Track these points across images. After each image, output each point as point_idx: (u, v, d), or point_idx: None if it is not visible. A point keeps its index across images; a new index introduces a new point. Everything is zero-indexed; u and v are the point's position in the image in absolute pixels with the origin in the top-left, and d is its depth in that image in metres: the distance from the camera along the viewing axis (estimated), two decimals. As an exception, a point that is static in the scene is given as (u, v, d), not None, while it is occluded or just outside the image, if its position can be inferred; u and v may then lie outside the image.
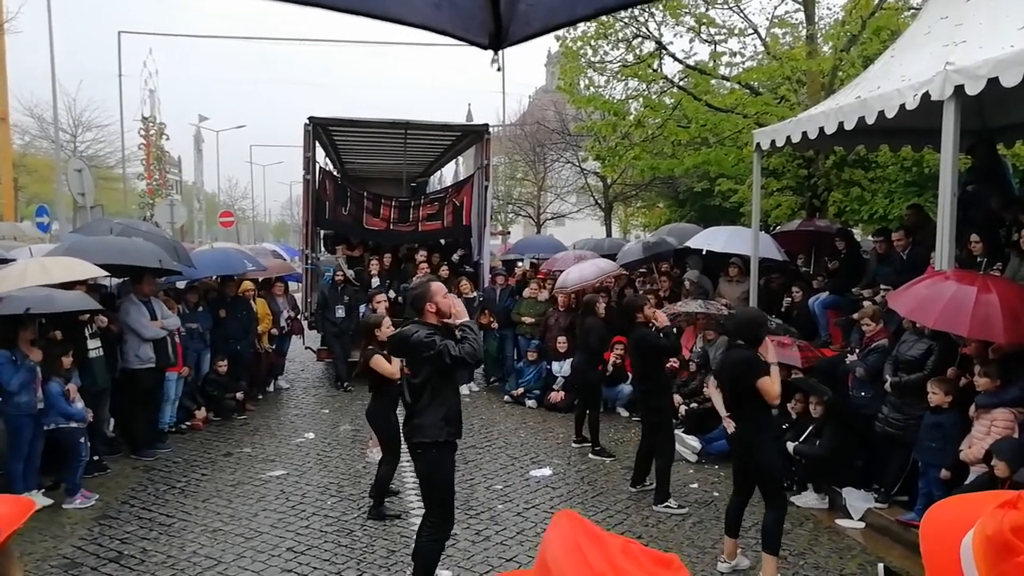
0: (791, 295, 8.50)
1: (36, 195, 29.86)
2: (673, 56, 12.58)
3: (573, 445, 7.81)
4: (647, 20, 12.34)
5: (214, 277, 9.58)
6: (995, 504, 0.98)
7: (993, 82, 4.85)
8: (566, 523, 1.10)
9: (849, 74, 10.59)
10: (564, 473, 6.99)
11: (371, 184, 13.34)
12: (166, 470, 7.00)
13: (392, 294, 11.03)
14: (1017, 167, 10.27)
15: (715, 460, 7.26)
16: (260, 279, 10.79)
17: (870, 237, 9.13)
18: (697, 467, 7.16)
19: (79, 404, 6.17)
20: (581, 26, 12.52)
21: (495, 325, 10.66)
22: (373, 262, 11.27)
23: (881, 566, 4.80)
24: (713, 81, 12.72)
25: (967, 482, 5.00)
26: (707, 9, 12.20)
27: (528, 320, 10.38)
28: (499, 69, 1.59)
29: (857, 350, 6.50)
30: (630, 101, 13.62)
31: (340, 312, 10.52)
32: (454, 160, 16.78)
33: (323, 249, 12.92)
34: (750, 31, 12.26)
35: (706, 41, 12.29)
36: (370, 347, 5.88)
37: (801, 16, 12.09)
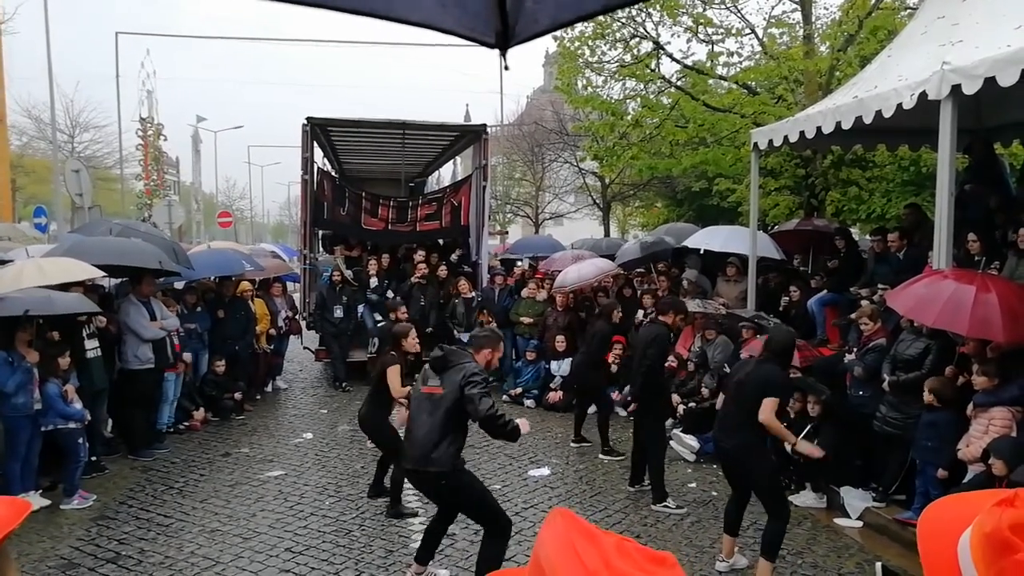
0: (789, 294, 8.51)
1: (34, 196, 29.78)
2: (671, 56, 12.59)
3: (572, 445, 7.81)
4: (644, 20, 12.35)
5: (212, 278, 9.57)
6: (993, 502, 0.98)
7: (990, 81, 4.86)
8: (560, 521, 1.09)
9: (846, 74, 10.60)
10: (562, 473, 6.99)
11: (369, 184, 13.33)
12: (164, 470, 6.99)
13: (390, 294, 11.05)
14: (1014, 166, 10.28)
15: (713, 460, 7.23)
16: (258, 279, 10.79)
17: (868, 236, 9.12)
18: (695, 466, 7.16)
19: (77, 404, 6.16)
20: (579, 26, 12.52)
21: (493, 324, 10.65)
22: (371, 262, 11.26)
23: (879, 565, 4.81)
24: (711, 81, 12.74)
25: (965, 481, 5.00)
26: (704, 9, 12.22)
27: (526, 320, 10.38)
28: (507, 68, 1.57)
29: (855, 349, 6.51)
30: (628, 101, 13.63)
31: (338, 312, 10.51)
32: (452, 160, 16.81)
33: (321, 249, 12.91)
34: (747, 31, 12.28)
35: (703, 41, 12.31)
36: (393, 354, 5.90)
37: (798, 16, 12.12)
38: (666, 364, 7.02)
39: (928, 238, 6.43)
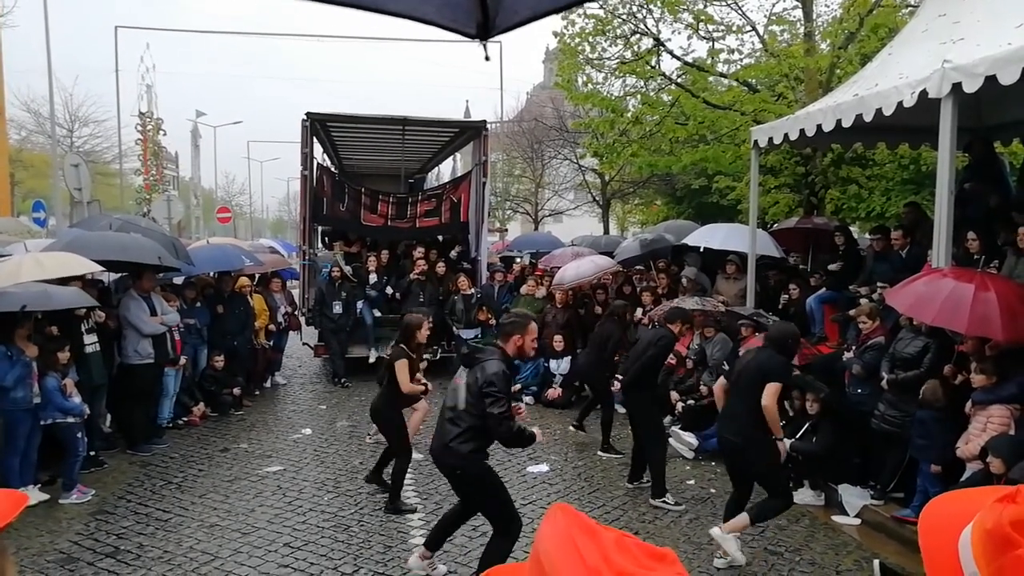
0: (788, 292, 8.51)
1: (32, 190, 29.73)
2: (671, 53, 12.57)
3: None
4: (645, 17, 12.33)
5: (211, 273, 9.57)
6: (994, 498, 0.98)
7: (991, 80, 4.86)
8: (560, 517, 1.09)
9: (847, 72, 10.59)
10: (561, 469, 7.00)
11: (369, 180, 13.32)
12: (163, 466, 6.99)
13: (389, 290, 11.05)
14: (1014, 165, 10.28)
15: (711, 457, 7.26)
16: (257, 276, 10.78)
17: (867, 235, 9.12)
18: (694, 463, 7.17)
19: (76, 399, 6.16)
20: (579, 23, 12.53)
21: (493, 322, 10.66)
22: (371, 258, 11.26)
23: (877, 562, 4.82)
24: (711, 78, 12.72)
25: (963, 479, 5.02)
26: (705, 6, 12.20)
27: (525, 317, 10.36)
28: (487, 59, 1.58)
29: (854, 347, 6.52)
30: (628, 98, 13.63)
31: (337, 308, 10.51)
32: (452, 156, 16.77)
33: (321, 245, 12.91)
34: (748, 28, 12.26)
35: (704, 38, 12.29)
36: (402, 347, 5.91)
37: (799, 13, 12.09)
38: (663, 364, 7.03)
39: (927, 237, 6.43)
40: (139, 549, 5.08)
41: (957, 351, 5.51)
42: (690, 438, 7.35)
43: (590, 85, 13.51)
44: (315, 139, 11.42)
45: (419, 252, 11.26)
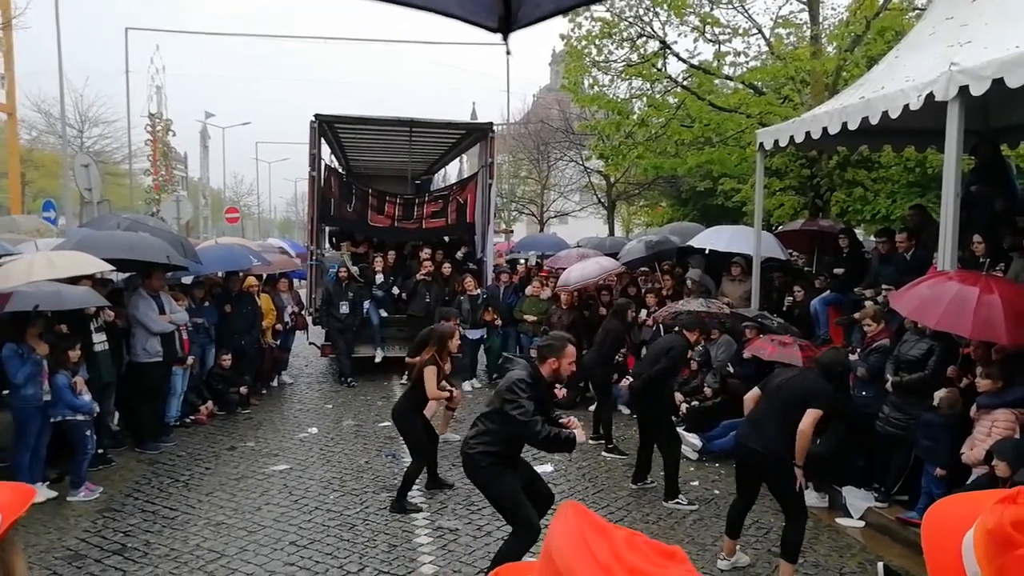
0: (793, 294, 8.51)
1: (43, 190, 29.92)
2: (677, 56, 12.57)
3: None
4: (652, 20, 12.35)
5: (219, 273, 9.63)
6: (995, 500, 0.99)
7: (998, 83, 4.85)
8: (571, 514, 1.09)
9: (853, 74, 10.58)
10: (565, 469, 7.02)
11: (376, 181, 13.38)
12: (170, 464, 7.04)
13: (396, 290, 11.09)
14: (1021, 168, 10.24)
15: (716, 458, 7.28)
16: (265, 275, 10.84)
17: (872, 237, 9.10)
18: (698, 465, 7.18)
19: (86, 396, 6.21)
20: (585, 25, 12.55)
21: (499, 323, 10.69)
22: (377, 259, 11.31)
23: (881, 565, 4.82)
24: (717, 81, 12.72)
25: (968, 482, 5.01)
26: (712, 9, 12.20)
27: (530, 318, 10.39)
28: (509, 52, 1.57)
29: (858, 350, 6.51)
30: (634, 100, 13.61)
31: (344, 308, 10.56)
32: (458, 158, 16.79)
33: (328, 245, 12.96)
34: (754, 31, 12.25)
35: (710, 41, 12.28)
36: (433, 355, 6.03)
37: (805, 16, 12.07)
38: (676, 374, 7.04)
39: (933, 239, 6.42)
40: (146, 547, 5.13)
41: (962, 354, 5.51)
42: (694, 439, 7.36)
43: (596, 87, 13.51)
44: (323, 140, 11.48)
45: (425, 253, 11.30)
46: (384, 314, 11.11)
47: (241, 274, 9.72)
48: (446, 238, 12.27)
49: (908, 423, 5.56)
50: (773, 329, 7.30)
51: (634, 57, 12.67)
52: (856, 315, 6.89)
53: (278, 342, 10.59)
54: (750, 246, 8.73)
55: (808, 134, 6.99)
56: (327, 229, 12.64)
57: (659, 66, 12.56)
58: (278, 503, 5.98)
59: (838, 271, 8.35)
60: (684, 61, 12.63)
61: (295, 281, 12.06)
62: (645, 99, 13.25)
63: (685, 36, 12.50)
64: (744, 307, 8.47)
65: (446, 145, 13.43)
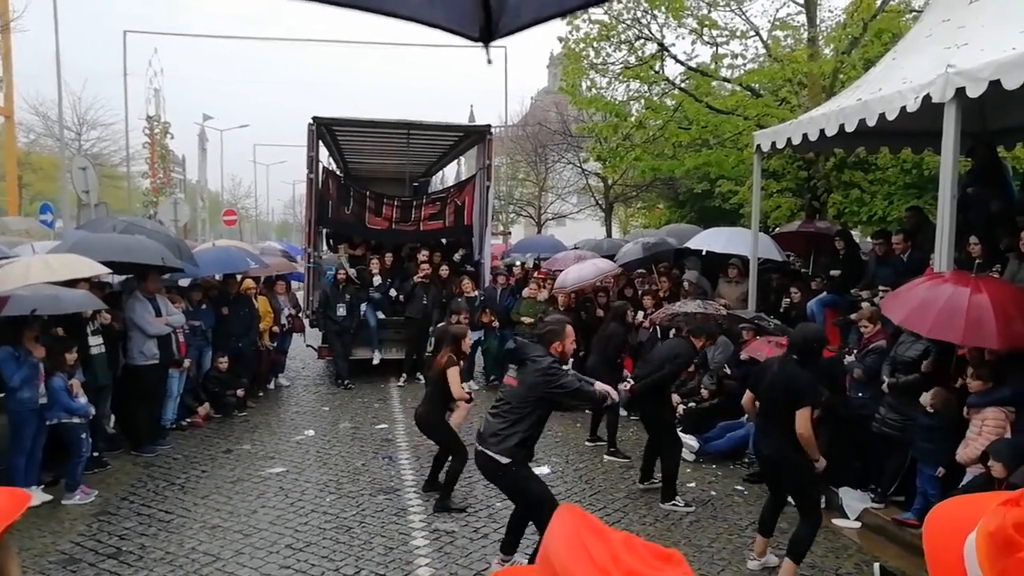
0: (790, 296, 8.51)
1: (40, 192, 29.89)
2: (675, 58, 12.60)
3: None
4: (649, 22, 12.37)
5: (216, 275, 9.61)
6: (997, 503, 0.99)
7: (995, 84, 4.86)
8: (569, 517, 1.10)
9: (850, 76, 10.60)
10: (562, 471, 7.01)
11: (374, 184, 13.37)
12: (166, 466, 7.02)
13: (393, 292, 11.09)
14: (1017, 170, 10.27)
15: (713, 459, 7.28)
16: (262, 277, 10.83)
17: (869, 239, 9.12)
18: (695, 466, 7.17)
19: (82, 399, 6.19)
20: (583, 28, 12.57)
21: (496, 324, 10.68)
22: (375, 261, 11.31)
23: (877, 566, 4.82)
24: (714, 83, 12.74)
25: (963, 483, 5.01)
26: (709, 11, 12.22)
27: (527, 320, 10.37)
28: (490, 62, 1.59)
29: (855, 351, 6.52)
30: (631, 102, 13.64)
31: (341, 310, 10.56)
32: (456, 160, 16.80)
33: (326, 248, 12.95)
34: (752, 33, 12.27)
35: (708, 43, 12.30)
36: (453, 356, 6.06)
37: (803, 19, 12.10)
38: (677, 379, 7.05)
39: (929, 241, 6.43)
40: (141, 550, 5.11)
41: (957, 355, 5.51)
42: (691, 441, 7.35)
43: (594, 90, 13.53)
44: (321, 143, 11.49)
45: (423, 255, 11.29)
46: (381, 316, 11.10)
47: (238, 276, 9.70)
48: (444, 240, 12.27)
49: (904, 424, 5.57)
50: (770, 331, 7.31)
51: (632, 59, 12.69)
52: (853, 316, 6.89)
53: (275, 344, 10.57)
54: (747, 248, 8.74)
55: (805, 136, 7.00)
56: (325, 231, 12.64)
57: (657, 68, 12.58)
58: (274, 506, 5.96)
59: (835, 273, 8.35)
60: (682, 63, 12.66)
61: (292, 283, 12.05)
62: (643, 101, 13.28)
63: (683, 38, 12.56)
64: (741, 309, 8.47)
65: (444, 147, 13.43)
